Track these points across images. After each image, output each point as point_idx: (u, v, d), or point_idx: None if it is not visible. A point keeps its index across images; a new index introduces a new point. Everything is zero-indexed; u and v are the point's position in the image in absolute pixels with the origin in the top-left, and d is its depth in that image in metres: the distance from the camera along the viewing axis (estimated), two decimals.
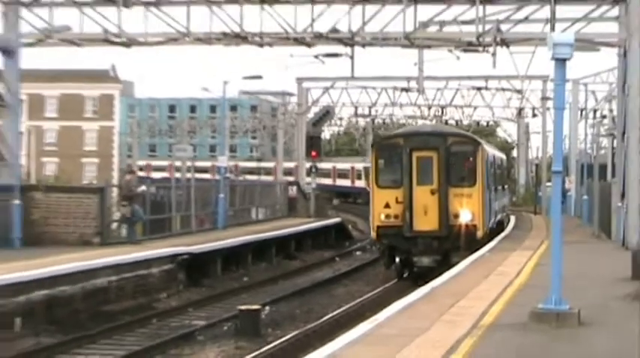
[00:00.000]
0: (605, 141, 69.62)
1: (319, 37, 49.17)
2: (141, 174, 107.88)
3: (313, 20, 48.27)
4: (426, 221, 45.75)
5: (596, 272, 32.49)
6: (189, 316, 38.57)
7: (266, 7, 47.83)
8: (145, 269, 42.72)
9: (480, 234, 46.32)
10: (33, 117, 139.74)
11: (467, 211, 45.90)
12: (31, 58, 53.07)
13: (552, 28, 45.45)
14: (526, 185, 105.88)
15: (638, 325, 22.02)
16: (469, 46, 50.64)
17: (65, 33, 50.28)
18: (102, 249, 43.99)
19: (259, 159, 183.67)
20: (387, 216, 46.04)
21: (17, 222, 44.78)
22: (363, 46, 51.08)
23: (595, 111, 74.56)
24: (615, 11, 46.53)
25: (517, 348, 20.42)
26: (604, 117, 71.76)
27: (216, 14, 48.42)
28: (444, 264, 42.65)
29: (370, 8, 48.05)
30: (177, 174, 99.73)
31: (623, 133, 46.84)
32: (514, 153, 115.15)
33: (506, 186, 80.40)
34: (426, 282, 34.00)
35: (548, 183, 64.17)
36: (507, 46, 50.72)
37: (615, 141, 54.58)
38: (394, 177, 47.58)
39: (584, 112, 74.61)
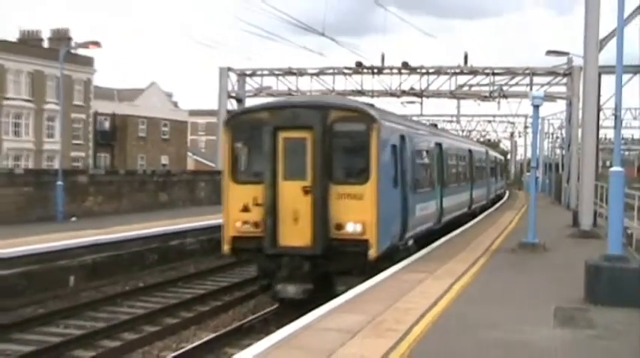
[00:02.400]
0: (558, 151, 68.17)
1: (404, 92, 49.04)
2: None
3: (400, 83, 48.33)
4: (295, 232, 19.99)
5: (553, 222, 31.97)
6: None
7: (375, 76, 47.94)
8: None
9: (372, 252, 19.31)
10: None
11: (355, 219, 19.70)
12: (250, 103, 53.70)
13: (531, 89, 45.07)
14: (514, 174, 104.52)
15: (574, 249, 22.40)
16: (485, 98, 49.94)
17: (268, 90, 50.96)
18: None
19: None
20: (245, 223, 20.71)
21: None
22: (427, 97, 50.66)
23: (553, 134, 73.18)
24: (565, 80, 46.07)
25: (509, 261, 20.31)
26: (557, 137, 70.40)
27: (348, 79, 48.61)
28: (323, 294, 18.14)
29: (431, 77, 47.88)
30: None
31: (569, 146, 46.21)
32: (508, 156, 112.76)
33: (480, 180, 41.46)
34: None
35: (528, 173, 62.47)
36: (506, 98, 49.97)
37: (564, 151, 53.60)
38: (255, 168, 21.32)
39: (547, 135, 73.28)
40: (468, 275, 17.52)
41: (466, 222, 32.75)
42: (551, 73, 46.87)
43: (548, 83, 46.96)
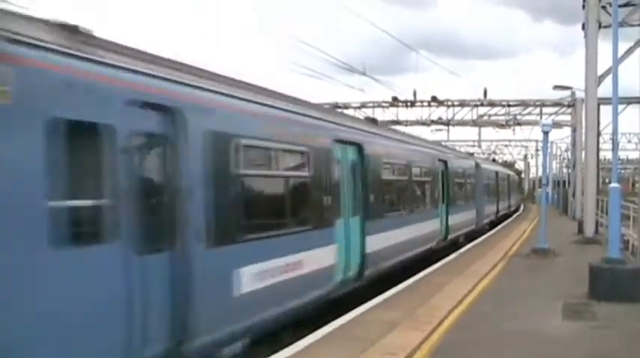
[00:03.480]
0: (565, 170, 67.44)
1: (433, 122, 48.93)
2: None
3: (430, 114, 48.28)
4: None
5: (561, 231, 31.64)
6: None
7: (408, 108, 47.94)
8: None
9: None
10: None
11: None
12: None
13: (541, 118, 44.75)
14: (528, 190, 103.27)
15: (579, 254, 21.71)
16: (502, 126, 49.59)
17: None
18: None
19: None
20: None
21: None
22: (453, 125, 50.46)
23: (560, 155, 72.43)
24: (569, 110, 45.68)
25: (525, 264, 20.18)
26: (564, 159, 69.68)
27: (385, 111, 48.67)
28: None
29: (456, 109, 47.77)
30: None
31: (574, 166, 45.71)
32: (522, 175, 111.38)
33: (463, 202, 28.01)
34: None
35: (540, 189, 61.72)
36: (520, 125, 49.64)
37: (570, 170, 53.04)
38: None
39: (555, 156, 72.55)
40: (490, 276, 17.50)
41: (445, 256, 21.88)
42: (558, 104, 46.49)
43: (556, 113, 46.65)
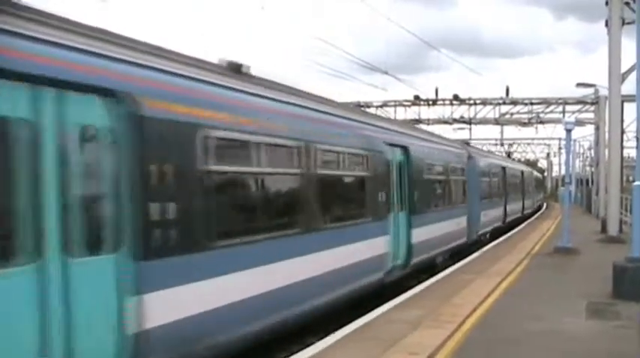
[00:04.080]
0: (588, 168, 66.97)
1: (455, 120, 48.70)
2: None
3: (452, 113, 48.01)
4: None
5: (584, 229, 31.41)
6: None
7: (430, 107, 47.75)
8: None
9: None
10: None
11: None
12: None
13: (563, 116, 44.36)
14: (550, 188, 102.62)
15: (602, 252, 21.59)
16: (524, 124, 49.35)
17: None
18: None
19: None
20: None
21: None
22: (475, 124, 50.16)
23: (583, 153, 71.94)
24: (592, 108, 45.26)
25: (547, 263, 20.06)
26: (587, 157, 69.18)
27: (407, 110, 48.54)
28: None
29: (478, 107, 47.51)
30: None
31: (597, 164, 45.33)
32: (545, 173, 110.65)
33: (433, 209, 18.66)
34: None
35: (562, 188, 61.27)
36: (542, 124, 49.28)
37: (593, 168, 52.63)
38: None
39: (578, 154, 72.05)
40: (514, 275, 17.39)
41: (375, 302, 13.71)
42: (581, 102, 46.14)
43: (579, 110, 46.30)
